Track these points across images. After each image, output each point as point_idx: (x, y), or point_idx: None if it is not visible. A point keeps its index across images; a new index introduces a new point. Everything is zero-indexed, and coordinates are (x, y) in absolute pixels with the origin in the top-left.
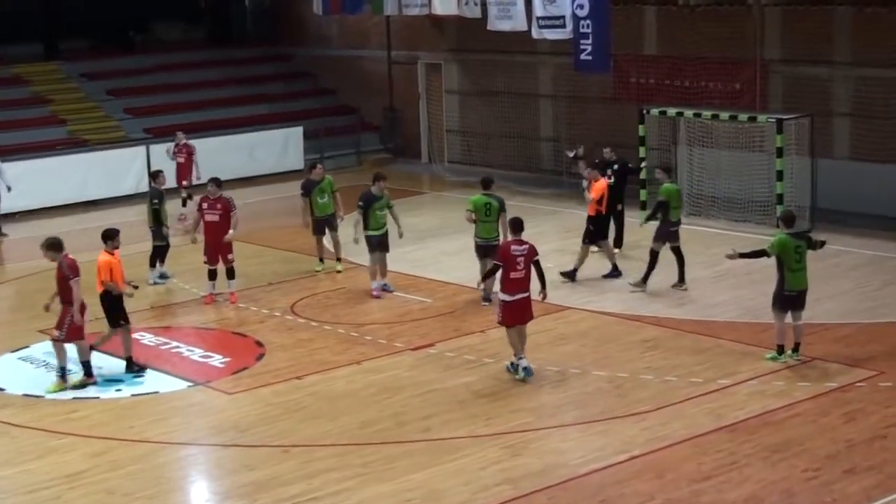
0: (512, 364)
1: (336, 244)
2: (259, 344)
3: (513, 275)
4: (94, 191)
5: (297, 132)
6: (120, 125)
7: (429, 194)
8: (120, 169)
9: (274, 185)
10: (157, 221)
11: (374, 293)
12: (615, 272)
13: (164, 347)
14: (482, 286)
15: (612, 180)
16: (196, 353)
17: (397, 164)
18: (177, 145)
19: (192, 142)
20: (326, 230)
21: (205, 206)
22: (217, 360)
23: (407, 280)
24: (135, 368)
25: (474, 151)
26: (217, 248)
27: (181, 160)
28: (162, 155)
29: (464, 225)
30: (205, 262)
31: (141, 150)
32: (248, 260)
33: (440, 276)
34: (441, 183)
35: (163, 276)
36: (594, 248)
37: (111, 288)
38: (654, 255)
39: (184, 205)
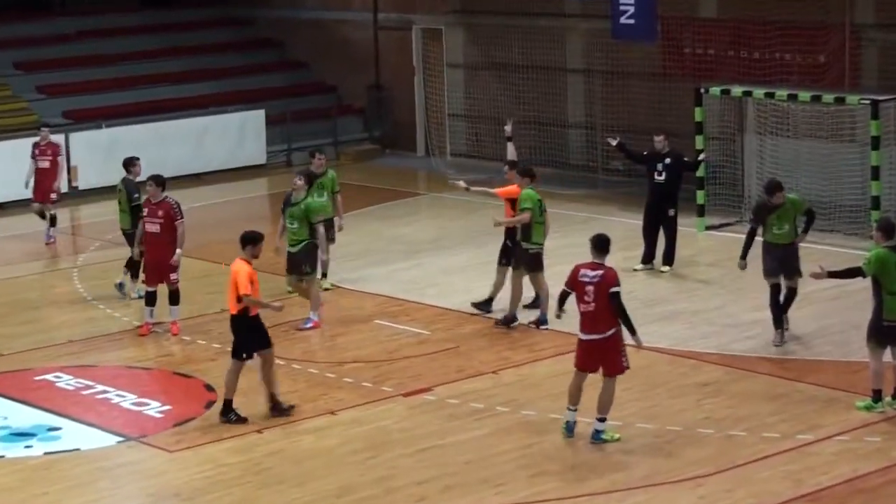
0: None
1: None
2: (209, 388)
3: (581, 307)
4: None
5: (257, 117)
6: (31, 107)
7: (425, 196)
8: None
9: (228, 185)
10: (134, 222)
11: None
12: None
13: (86, 392)
14: (514, 308)
15: (664, 177)
16: (128, 400)
17: (386, 158)
18: (38, 145)
19: (56, 138)
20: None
21: (144, 212)
22: (155, 407)
23: (397, 306)
24: (284, 409)
25: (484, 142)
26: (158, 266)
27: (45, 164)
28: (101, 142)
29: (469, 235)
30: (142, 283)
31: (58, 139)
32: (195, 281)
33: (440, 300)
34: (441, 182)
35: (122, 286)
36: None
37: (253, 304)
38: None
39: (52, 223)
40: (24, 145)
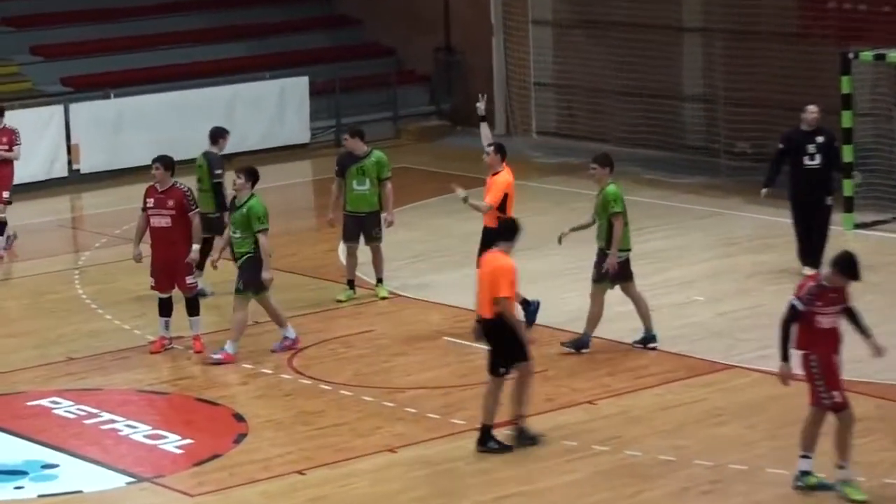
0: (801, 475)
1: (377, 258)
2: (238, 418)
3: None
4: None
5: (299, 85)
6: (23, 72)
7: None
8: (23, 142)
9: (263, 169)
10: (220, 203)
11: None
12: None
13: (88, 422)
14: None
15: (817, 161)
16: (140, 431)
17: (456, 137)
18: None
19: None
20: (362, 236)
21: (149, 202)
22: (172, 442)
23: (471, 320)
24: (531, 437)
25: (578, 117)
26: (170, 268)
27: None
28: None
29: (555, 233)
30: (152, 288)
31: (56, 111)
32: (220, 286)
33: (522, 314)
34: (526, 165)
35: (201, 294)
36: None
37: (508, 313)
38: None
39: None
40: (15, 117)
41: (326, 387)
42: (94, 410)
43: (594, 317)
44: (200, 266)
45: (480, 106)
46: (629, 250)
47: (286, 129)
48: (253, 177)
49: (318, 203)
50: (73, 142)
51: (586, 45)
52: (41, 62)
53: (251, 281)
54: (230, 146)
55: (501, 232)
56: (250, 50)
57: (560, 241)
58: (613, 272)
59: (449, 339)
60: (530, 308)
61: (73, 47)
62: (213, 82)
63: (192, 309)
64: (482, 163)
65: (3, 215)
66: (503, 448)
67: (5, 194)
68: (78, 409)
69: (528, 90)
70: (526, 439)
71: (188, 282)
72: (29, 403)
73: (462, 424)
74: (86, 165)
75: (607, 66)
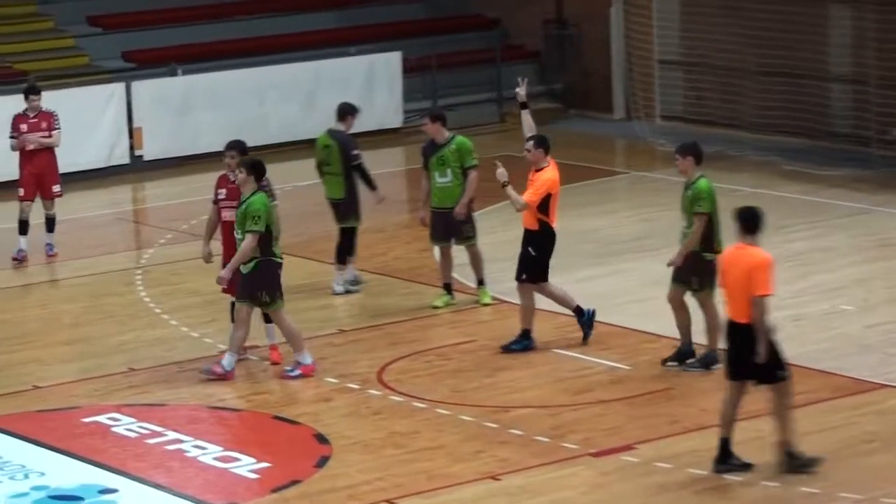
0: None
1: (474, 259)
2: (321, 438)
3: None
4: None
5: (390, 62)
6: (79, 45)
7: (626, 176)
8: (79, 124)
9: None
10: (368, 180)
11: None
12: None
13: (151, 441)
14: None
15: None
16: (210, 453)
17: (570, 122)
18: (25, 116)
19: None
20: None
21: (221, 193)
22: (247, 465)
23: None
24: (805, 461)
25: (708, 100)
26: None
27: (31, 145)
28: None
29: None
30: (223, 291)
31: (117, 90)
32: (297, 290)
33: (645, 323)
34: (649, 154)
35: (356, 282)
36: None
37: (763, 322)
38: None
39: (51, 227)
40: (71, 96)
41: (420, 405)
42: (158, 429)
43: (712, 327)
44: (342, 260)
45: (521, 92)
46: (717, 253)
47: (376, 112)
48: (256, 171)
49: (411, 195)
50: (135, 125)
51: (718, 17)
52: (100, 34)
53: (273, 289)
54: (310, 128)
55: (744, 223)
56: (335, 21)
57: (670, 265)
58: (679, 267)
59: (559, 351)
60: (584, 317)
61: (136, 17)
62: (292, 58)
63: (268, 315)
64: (600, 151)
65: (52, 211)
66: (744, 466)
67: (56, 188)
68: (140, 426)
69: (652, 69)
70: (799, 464)
71: None
72: (85, 420)
73: (574, 449)
74: (149, 152)
75: (742, 42)
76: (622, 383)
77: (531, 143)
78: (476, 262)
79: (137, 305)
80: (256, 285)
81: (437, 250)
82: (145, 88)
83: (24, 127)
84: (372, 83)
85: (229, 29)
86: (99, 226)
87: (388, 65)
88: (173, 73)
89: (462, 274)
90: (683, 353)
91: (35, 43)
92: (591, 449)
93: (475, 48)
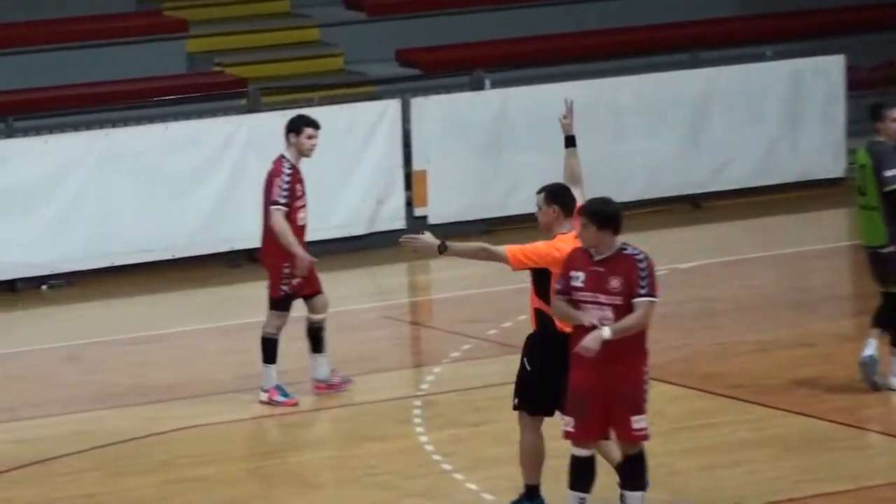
0: None
1: None
2: None
3: None
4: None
5: (828, 69)
6: (326, 40)
7: None
8: (328, 164)
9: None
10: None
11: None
12: None
13: None
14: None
15: None
16: None
17: None
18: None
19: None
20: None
21: (576, 278)
22: None
23: None
24: None
25: None
26: None
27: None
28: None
29: None
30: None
31: (390, 107)
32: None
33: None
34: None
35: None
36: None
37: None
38: None
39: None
40: (329, 118)
41: None
42: None
43: None
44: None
45: (565, 121)
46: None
47: (799, 156)
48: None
49: (855, 278)
50: (415, 167)
51: None
52: (360, 21)
53: None
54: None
55: None
56: (741, 8)
57: None
58: None
59: None
60: None
61: (411, 3)
62: (666, 63)
63: None
64: None
65: (319, 316)
66: None
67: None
68: None
69: None
70: None
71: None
72: None
73: None
74: (437, 210)
75: None
76: None
77: (541, 195)
78: None
79: (415, 456)
80: None
81: None
82: (433, 108)
83: (299, 189)
84: (796, 103)
85: (554, 17)
86: (357, 328)
87: (823, 74)
88: (478, 86)
89: None
90: None
91: (259, 35)
92: None
93: None
